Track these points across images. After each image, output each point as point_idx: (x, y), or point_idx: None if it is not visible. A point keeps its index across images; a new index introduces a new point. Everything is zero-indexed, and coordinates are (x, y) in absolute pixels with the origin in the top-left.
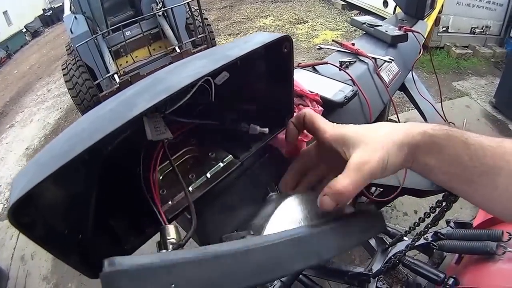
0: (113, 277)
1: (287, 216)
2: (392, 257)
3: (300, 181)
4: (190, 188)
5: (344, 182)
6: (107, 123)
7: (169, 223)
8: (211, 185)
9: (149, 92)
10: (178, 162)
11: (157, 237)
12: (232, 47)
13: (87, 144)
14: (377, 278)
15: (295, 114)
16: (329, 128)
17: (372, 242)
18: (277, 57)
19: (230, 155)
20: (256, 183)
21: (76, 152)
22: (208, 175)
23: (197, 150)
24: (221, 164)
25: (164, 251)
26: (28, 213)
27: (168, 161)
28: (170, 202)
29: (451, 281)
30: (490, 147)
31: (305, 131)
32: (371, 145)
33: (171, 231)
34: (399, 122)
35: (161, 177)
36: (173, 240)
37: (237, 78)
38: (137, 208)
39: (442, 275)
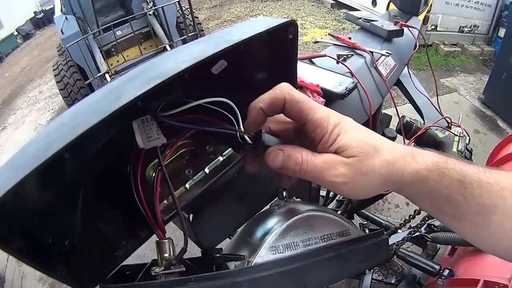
0: None
1: (284, 239)
2: None
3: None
4: (187, 185)
5: (310, 158)
6: (90, 115)
7: (165, 224)
8: (211, 181)
9: (140, 79)
10: (173, 157)
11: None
12: (232, 32)
13: (66, 140)
14: (372, 270)
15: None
16: (324, 122)
17: None
18: (280, 44)
19: (230, 148)
20: (260, 180)
21: (53, 151)
22: (207, 170)
23: (193, 143)
24: (221, 158)
25: (157, 270)
26: (1, 224)
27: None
28: (165, 201)
29: (446, 272)
30: (488, 184)
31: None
32: (360, 164)
33: (165, 247)
34: (398, 115)
35: (153, 175)
36: (166, 256)
37: (235, 68)
38: (130, 208)
39: (437, 267)
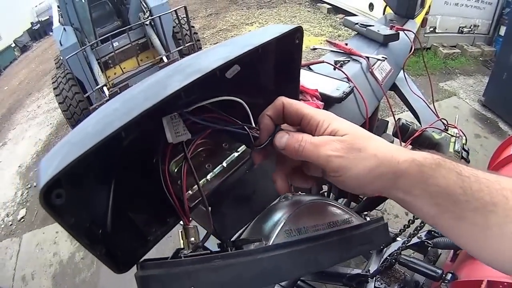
0: (145, 280)
1: (295, 224)
2: (388, 257)
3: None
4: (208, 177)
5: (309, 137)
6: (142, 101)
7: (191, 211)
8: (229, 173)
9: (180, 74)
10: (193, 154)
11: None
12: (251, 37)
13: (124, 120)
14: (374, 278)
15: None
16: (316, 114)
17: None
18: (287, 49)
19: (244, 145)
20: (269, 177)
21: (114, 128)
22: (225, 164)
23: (210, 142)
24: (236, 154)
25: (185, 252)
26: (60, 195)
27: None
28: (190, 191)
29: (449, 276)
30: (486, 180)
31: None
32: (354, 141)
33: (191, 232)
34: (394, 121)
35: (175, 170)
36: (192, 240)
37: (246, 72)
38: (157, 199)
39: (439, 271)
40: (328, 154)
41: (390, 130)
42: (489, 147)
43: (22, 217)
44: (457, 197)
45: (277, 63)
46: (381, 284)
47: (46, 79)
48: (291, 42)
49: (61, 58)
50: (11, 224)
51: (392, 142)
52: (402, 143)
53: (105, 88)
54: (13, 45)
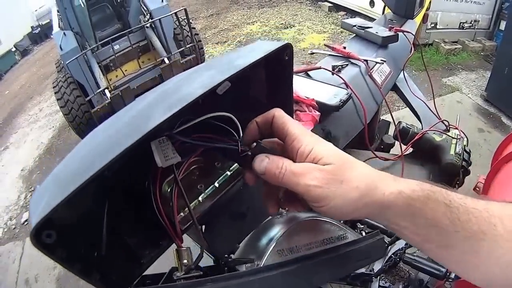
0: None
1: (287, 244)
2: (392, 255)
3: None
4: (200, 198)
5: (289, 164)
6: (123, 137)
7: (183, 234)
8: (221, 193)
9: (162, 104)
10: (185, 174)
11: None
12: (238, 57)
13: (105, 160)
14: (379, 277)
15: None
16: (300, 135)
17: None
18: (277, 65)
19: (236, 164)
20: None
21: (96, 169)
22: (217, 184)
23: (202, 161)
24: (228, 173)
25: (178, 274)
26: (50, 234)
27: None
28: (182, 214)
29: (453, 274)
30: (475, 210)
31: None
32: (335, 172)
33: (184, 254)
34: (393, 121)
35: (168, 190)
36: (185, 262)
37: (237, 88)
38: (150, 221)
39: (443, 269)
40: (308, 184)
41: (392, 129)
42: (492, 141)
43: (26, 221)
44: (445, 229)
45: (268, 78)
46: (386, 283)
47: (48, 82)
48: (281, 58)
49: (62, 62)
50: (14, 228)
51: (393, 144)
52: (403, 145)
53: (106, 91)
54: (14, 49)
